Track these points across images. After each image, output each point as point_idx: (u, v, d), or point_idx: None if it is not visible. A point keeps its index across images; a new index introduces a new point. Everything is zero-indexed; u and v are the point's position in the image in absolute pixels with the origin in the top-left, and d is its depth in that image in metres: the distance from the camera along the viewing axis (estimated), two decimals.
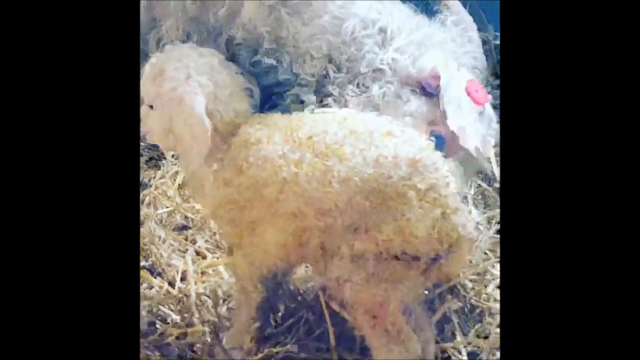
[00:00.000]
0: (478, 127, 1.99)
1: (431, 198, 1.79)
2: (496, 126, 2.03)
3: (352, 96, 2.04)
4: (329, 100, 2.07)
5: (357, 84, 2.06)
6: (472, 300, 2.40)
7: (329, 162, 1.81)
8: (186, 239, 2.78)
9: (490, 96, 2.04)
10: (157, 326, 2.33)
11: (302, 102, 2.11)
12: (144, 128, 2.01)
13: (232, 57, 2.15)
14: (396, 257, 1.81)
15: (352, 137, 1.83)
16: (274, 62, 2.12)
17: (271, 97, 2.15)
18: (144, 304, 2.41)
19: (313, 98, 2.09)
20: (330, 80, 2.08)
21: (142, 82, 1.99)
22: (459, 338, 2.27)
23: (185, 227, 2.86)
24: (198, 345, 2.20)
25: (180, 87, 1.91)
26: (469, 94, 1.99)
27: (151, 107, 1.98)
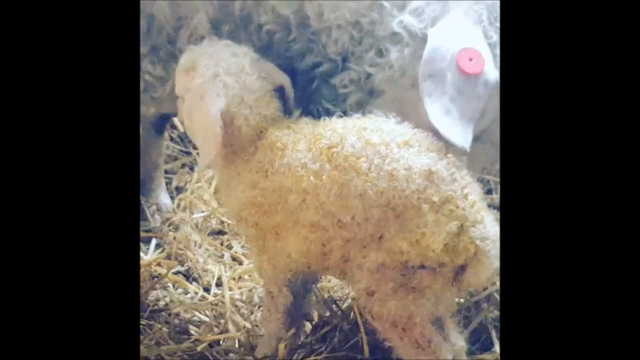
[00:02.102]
0: (458, 105, 1.91)
1: (447, 210, 1.78)
2: (493, 91, 1.95)
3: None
4: (346, 80, 2.07)
5: (379, 50, 2.03)
6: None
7: (347, 175, 1.81)
8: (222, 244, 2.78)
9: (485, 62, 1.94)
10: (192, 332, 2.33)
11: (327, 82, 2.11)
12: (179, 117, 2.05)
13: (267, 45, 2.15)
14: (422, 266, 1.80)
15: (368, 149, 1.82)
16: (306, 43, 2.11)
17: (310, 83, 2.15)
18: (178, 309, 2.41)
19: (337, 79, 2.08)
20: (352, 54, 2.07)
21: (176, 72, 2.02)
22: (496, 347, 2.24)
23: (221, 232, 2.85)
24: (232, 355, 2.19)
25: (205, 85, 1.91)
26: (458, 64, 1.92)
27: (183, 99, 2.00)
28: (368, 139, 1.84)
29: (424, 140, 1.86)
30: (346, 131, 1.87)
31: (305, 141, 1.88)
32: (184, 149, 3.27)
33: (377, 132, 1.86)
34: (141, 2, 2.13)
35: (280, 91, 2.01)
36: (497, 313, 2.35)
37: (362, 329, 2.12)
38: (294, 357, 2.12)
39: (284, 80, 2.02)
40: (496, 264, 1.87)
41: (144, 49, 2.25)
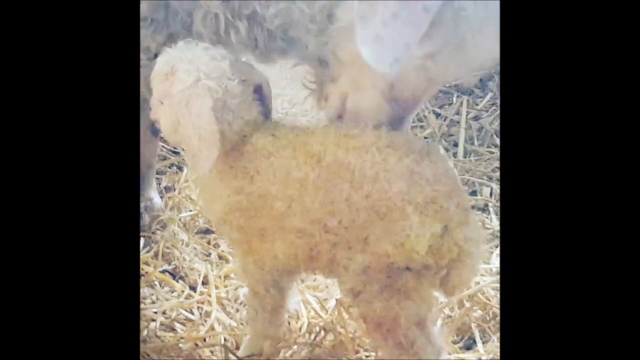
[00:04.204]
0: (391, 30, 1.80)
1: (432, 211, 1.78)
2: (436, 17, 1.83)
3: None
4: None
5: None
6: (494, 308, 2.38)
7: (331, 182, 1.83)
8: (209, 243, 2.79)
9: None
10: (178, 330, 2.35)
11: None
12: (152, 116, 2.01)
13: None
14: (407, 268, 1.80)
15: (350, 155, 1.84)
16: None
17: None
18: (164, 307, 2.43)
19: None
20: None
21: (152, 75, 1.99)
22: (479, 346, 2.26)
23: (208, 231, 2.87)
24: (217, 353, 2.20)
25: (189, 90, 1.90)
26: None
27: (161, 102, 1.97)
28: (349, 145, 1.85)
29: (404, 143, 1.87)
30: (327, 139, 1.88)
31: (289, 148, 1.89)
32: (174, 149, 3.29)
33: (358, 138, 1.87)
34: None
35: (257, 91, 2.00)
36: (480, 312, 2.38)
37: (346, 329, 2.14)
38: (279, 356, 2.14)
39: (262, 79, 2.02)
40: (478, 264, 1.89)
41: (160, 38, 2.24)
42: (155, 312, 2.39)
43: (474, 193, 3.13)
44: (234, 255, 2.22)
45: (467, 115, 3.71)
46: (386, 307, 1.83)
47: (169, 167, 3.22)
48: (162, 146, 3.28)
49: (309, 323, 2.28)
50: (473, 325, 2.32)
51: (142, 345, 2.19)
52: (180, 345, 2.23)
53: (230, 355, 2.14)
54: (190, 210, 2.93)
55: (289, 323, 2.23)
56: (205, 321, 2.37)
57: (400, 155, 1.83)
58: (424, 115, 3.71)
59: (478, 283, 2.42)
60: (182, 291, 2.53)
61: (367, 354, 2.17)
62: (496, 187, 3.14)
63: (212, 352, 2.22)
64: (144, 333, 2.27)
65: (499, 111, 3.74)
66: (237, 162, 1.94)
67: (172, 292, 2.55)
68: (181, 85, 1.91)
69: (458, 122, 3.67)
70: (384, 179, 1.80)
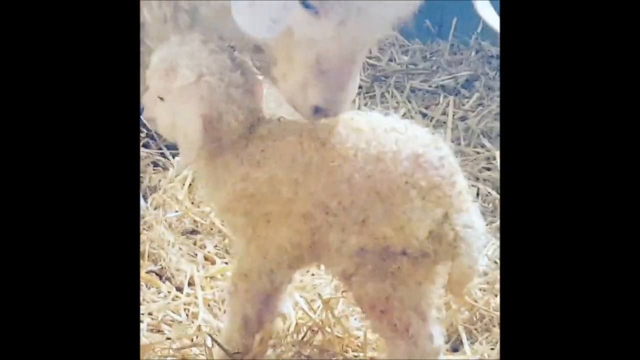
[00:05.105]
0: None
1: (434, 197, 1.78)
2: None
3: None
4: None
5: None
6: (480, 310, 2.38)
7: (334, 162, 1.83)
8: (195, 244, 2.79)
9: None
10: (165, 331, 2.34)
11: None
12: (148, 115, 2.01)
13: None
14: (403, 253, 1.80)
15: (355, 135, 1.84)
16: None
17: None
18: (151, 308, 2.42)
19: None
20: None
21: (150, 72, 1.97)
22: (466, 347, 2.26)
23: (194, 232, 2.86)
24: (204, 354, 2.20)
25: (190, 87, 1.89)
26: None
27: (161, 98, 1.96)
28: (355, 127, 1.86)
29: (410, 127, 1.88)
30: (334, 123, 1.89)
31: (295, 134, 1.90)
32: (157, 149, 3.28)
33: (364, 122, 1.88)
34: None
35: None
36: (467, 314, 2.38)
37: (333, 328, 2.14)
38: (267, 354, 2.13)
39: (254, 79, 2.01)
40: (478, 255, 1.85)
41: None
42: (142, 314, 2.38)
43: None
44: (235, 243, 2.18)
45: (453, 116, 3.72)
46: (378, 288, 1.83)
47: (152, 166, 3.21)
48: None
49: (296, 323, 2.27)
50: (460, 328, 2.32)
51: None
52: (168, 346, 2.22)
53: (218, 349, 2.12)
54: (176, 211, 2.92)
55: (276, 322, 2.22)
56: (192, 322, 2.36)
57: (407, 138, 1.84)
58: (411, 116, 3.72)
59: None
60: (169, 292, 2.52)
61: (355, 354, 2.17)
62: (483, 188, 3.15)
63: (200, 351, 2.21)
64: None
65: (485, 111, 3.77)
66: (243, 150, 1.93)
67: (159, 293, 2.53)
68: (183, 82, 1.90)
69: (445, 123, 3.68)
70: (389, 159, 1.80)
